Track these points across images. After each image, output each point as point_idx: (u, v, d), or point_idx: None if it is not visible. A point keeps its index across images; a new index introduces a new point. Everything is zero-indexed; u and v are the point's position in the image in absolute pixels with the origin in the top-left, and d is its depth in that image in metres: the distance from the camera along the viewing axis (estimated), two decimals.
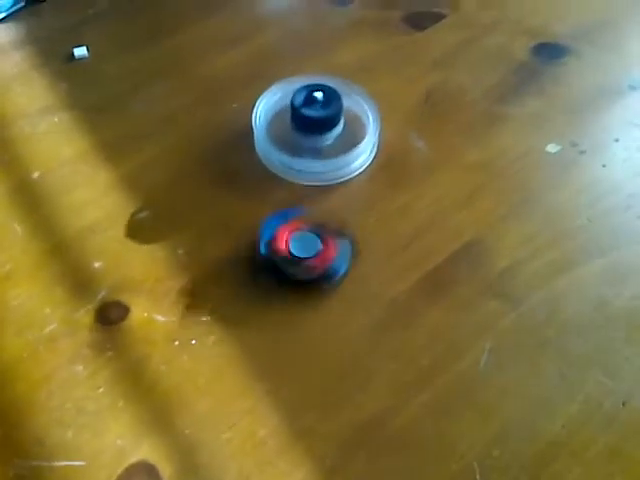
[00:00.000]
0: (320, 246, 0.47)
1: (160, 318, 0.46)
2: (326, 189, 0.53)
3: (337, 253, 0.48)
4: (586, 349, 0.45)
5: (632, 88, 0.62)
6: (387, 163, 0.56)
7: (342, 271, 0.48)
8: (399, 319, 0.47)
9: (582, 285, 0.49)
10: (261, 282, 0.47)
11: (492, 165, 0.56)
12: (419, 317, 0.47)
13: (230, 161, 0.55)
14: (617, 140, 0.58)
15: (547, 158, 0.57)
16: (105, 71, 0.61)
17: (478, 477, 0.40)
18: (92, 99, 0.59)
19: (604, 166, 0.56)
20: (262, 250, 0.47)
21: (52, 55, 0.63)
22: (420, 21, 0.67)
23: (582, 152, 0.57)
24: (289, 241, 0.47)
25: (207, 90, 0.60)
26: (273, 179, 0.54)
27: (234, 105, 0.59)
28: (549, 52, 0.64)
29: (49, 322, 0.46)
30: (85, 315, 0.46)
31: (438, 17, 0.68)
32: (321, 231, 0.48)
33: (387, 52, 0.64)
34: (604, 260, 0.50)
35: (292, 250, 0.47)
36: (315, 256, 0.47)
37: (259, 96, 0.56)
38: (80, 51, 0.62)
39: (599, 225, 0.52)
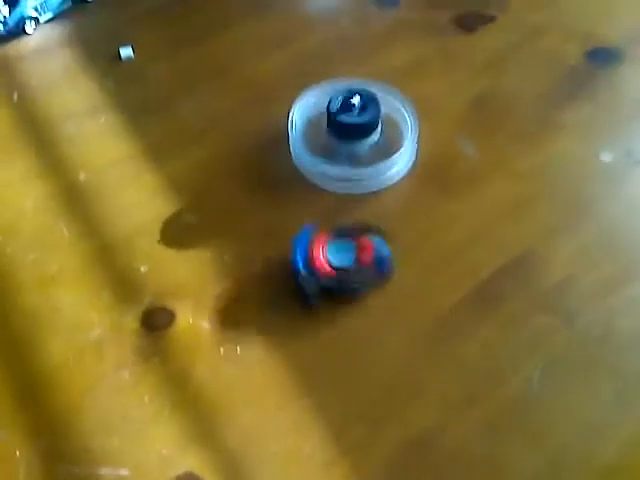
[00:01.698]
0: (355, 248, 0.46)
1: (205, 325, 0.46)
2: (363, 197, 0.52)
3: (374, 249, 0.46)
4: None
5: None
6: (433, 170, 0.54)
7: (389, 263, 0.46)
8: (447, 333, 0.46)
9: (639, 301, 0.47)
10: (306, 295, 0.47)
11: (543, 173, 0.54)
12: (468, 332, 0.46)
13: (269, 167, 0.54)
14: None
15: (600, 167, 0.55)
16: (151, 72, 0.61)
17: None
18: (138, 100, 0.59)
19: None
20: (302, 272, 0.45)
21: (98, 55, 0.63)
22: (469, 23, 0.65)
23: (637, 162, 0.55)
24: (326, 256, 0.46)
25: (252, 92, 0.60)
26: (310, 186, 0.53)
27: (278, 108, 0.58)
28: (603, 57, 0.62)
29: (95, 327, 0.46)
30: (131, 321, 0.46)
31: (487, 19, 0.66)
32: (351, 233, 0.47)
33: (435, 54, 0.63)
34: None
35: (331, 261, 0.46)
36: (357, 257, 0.45)
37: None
38: (126, 51, 0.62)
39: None
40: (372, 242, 0.46)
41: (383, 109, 0.53)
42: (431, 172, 0.54)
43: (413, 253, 0.49)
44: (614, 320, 0.46)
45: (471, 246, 0.49)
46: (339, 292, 0.46)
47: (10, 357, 0.45)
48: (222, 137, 0.56)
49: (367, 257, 0.46)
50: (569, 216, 0.52)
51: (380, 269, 0.46)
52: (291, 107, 0.55)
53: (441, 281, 0.48)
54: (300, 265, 0.45)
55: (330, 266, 0.46)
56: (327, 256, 0.46)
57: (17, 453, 0.41)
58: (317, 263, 0.45)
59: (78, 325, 0.46)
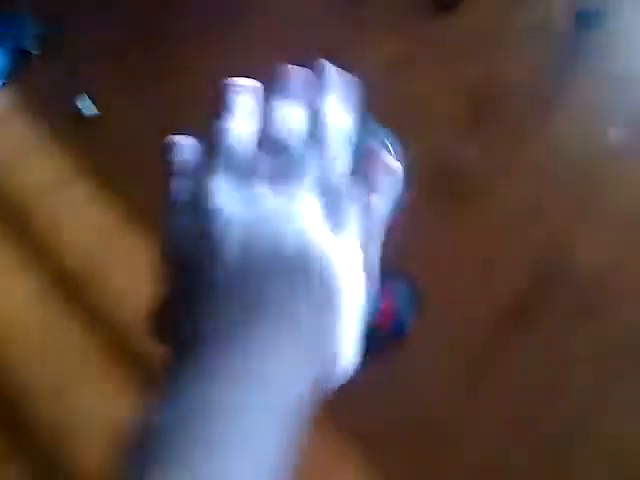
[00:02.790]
0: (379, 302, 0.43)
1: None
2: None
3: (398, 302, 0.44)
4: None
5: None
6: (438, 181, 0.51)
7: (409, 320, 0.44)
8: (490, 361, 0.44)
9: None
10: None
11: (554, 163, 0.51)
12: (511, 354, 0.44)
13: None
14: None
15: (611, 146, 0.52)
16: (116, 128, 0.56)
17: None
18: (110, 158, 0.55)
19: None
20: None
21: (58, 114, 0.57)
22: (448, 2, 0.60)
23: None
24: None
25: None
26: None
27: None
28: (591, 20, 0.58)
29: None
30: None
31: None
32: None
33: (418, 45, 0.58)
34: None
35: None
36: (377, 314, 0.42)
37: None
38: (87, 108, 0.57)
39: None
40: (394, 304, 0.44)
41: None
42: (439, 183, 0.50)
43: (437, 282, 0.46)
44: None
45: (498, 260, 0.47)
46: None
47: (45, 471, 0.43)
48: None
49: (386, 322, 0.43)
50: (588, 206, 0.49)
51: (397, 333, 0.44)
52: None
53: (475, 305, 0.45)
54: None
55: None
56: None
57: None
58: None
59: (112, 424, 0.43)
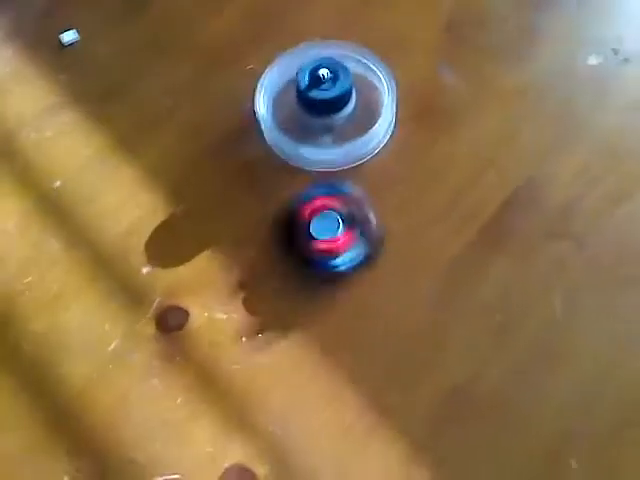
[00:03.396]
0: (339, 232, 0.44)
1: (221, 316, 0.45)
2: (346, 171, 0.49)
3: (349, 247, 0.45)
4: None
5: None
6: (417, 110, 0.52)
7: (346, 266, 0.45)
8: (462, 278, 0.45)
9: None
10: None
11: (531, 90, 0.52)
12: (482, 273, 0.45)
13: (242, 147, 0.51)
14: None
15: (589, 73, 0.53)
16: (99, 55, 0.57)
17: (573, 430, 0.40)
18: (93, 89, 0.55)
19: None
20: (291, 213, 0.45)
21: (40, 45, 0.58)
22: None
23: (625, 60, 0.53)
24: (312, 218, 0.45)
25: (208, 58, 0.55)
26: (286, 166, 0.50)
27: (238, 73, 0.54)
28: None
29: (111, 339, 0.45)
30: (146, 325, 0.45)
31: None
32: (348, 216, 0.45)
33: None
34: None
35: (310, 228, 0.44)
36: (329, 239, 0.44)
37: (263, 58, 0.52)
38: (69, 35, 0.57)
39: None
40: (351, 241, 0.45)
41: (354, 70, 0.49)
42: (415, 113, 0.52)
43: (413, 206, 0.48)
44: (626, 234, 0.46)
45: (471, 186, 0.48)
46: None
47: (33, 386, 0.44)
48: (188, 115, 0.53)
49: (331, 247, 0.45)
50: (563, 133, 0.50)
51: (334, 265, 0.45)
52: (258, 70, 0.52)
53: (449, 225, 0.47)
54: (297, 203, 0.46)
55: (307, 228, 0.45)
56: (312, 219, 0.45)
57: (65, 478, 0.41)
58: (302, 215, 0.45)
59: (93, 341, 0.45)
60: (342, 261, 0.45)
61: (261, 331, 0.45)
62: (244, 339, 0.44)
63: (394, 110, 0.50)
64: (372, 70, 0.51)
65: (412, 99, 0.51)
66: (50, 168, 0.52)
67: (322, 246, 0.44)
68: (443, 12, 0.56)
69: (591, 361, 0.42)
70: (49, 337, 0.46)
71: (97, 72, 0.56)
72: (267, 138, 0.51)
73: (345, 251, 0.45)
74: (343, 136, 0.49)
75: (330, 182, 0.48)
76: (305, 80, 0.48)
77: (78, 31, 0.57)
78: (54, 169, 0.52)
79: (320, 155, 0.49)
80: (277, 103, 0.51)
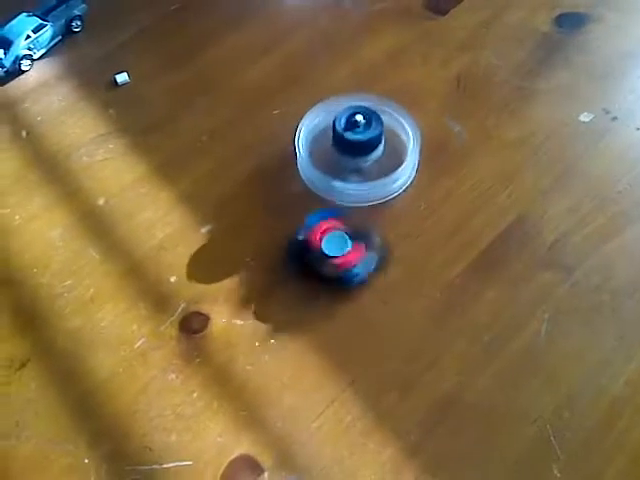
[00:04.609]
0: (348, 247, 0.50)
1: (239, 322, 0.50)
2: (370, 208, 0.55)
3: (361, 258, 0.50)
4: None
5: None
6: (426, 152, 0.58)
7: (361, 276, 0.50)
8: (458, 300, 0.50)
9: (631, 248, 0.51)
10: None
11: (529, 141, 0.58)
12: (476, 296, 0.50)
13: (275, 177, 0.57)
14: None
15: (581, 128, 0.59)
16: (147, 94, 0.65)
17: (552, 439, 0.44)
18: (140, 122, 0.63)
19: (638, 129, 0.58)
20: (299, 237, 0.50)
21: (95, 84, 0.66)
22: (441, 5, 0.69)
23: (614, 118, 0.59)
24: (322, 239, 0.50)
25: (246, 101, 0.63)
26: (316, 197, 0.56)
27: (274, 112, 0.61)
28: (571, 21, 0.66)
29: (138, 338, 0.50)
30: (170, 327, 0.50)
31: (457, 0, 0.69)
32: (354, 234, 0.51)
33: (413, 40, 0.66)
34: None
35: (323, 248, 0.50)
36: (342, 255, 0.49)
37: (296, 102, 0.59)
38: (122, 77, 0.65)
39: None
40: (362, 252, 0.50)
41: (384, 121, 0.56)
42: (428, 153, 0.57)
43: (419, 230, 0.53)
44: (610, 269, 0.50)
45: (470, 219, 0.53)
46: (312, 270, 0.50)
47: (64, 376, 0.49)
48: (224, 148, 0.60)
49: (345, 262, 0.50)
50: (557, 177, 0.56)
51: (346, 278, 0.50)
52: (292, 109, 0.59)
53: (447, 253, 0.52)
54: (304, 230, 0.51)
55: (320, 248, 0.50)
56: (322, 239, 0.50)
57: (85, 461, 0.45)
58: (313, 237, 0.50)
59: (121, 339, 0.50)
60: (356, 272, 0.50)
61: (273, 337, 0.49)
62: (257, 343, 0.49)
63: (417, 156, 0.56)
64: (397, 119, 0.58)
65: (423, 141, 0.58)
66: (96, 188, 0.59)
67: (336, 262, 0.49)
68: (454, 70, 0.63)
69: (570, 376, 0.46)
70: (82, 334, 0.51)
71: (143, 108, 0.64)
72: (302, 173, 0.57)
73: (357, 264, 0.50)
74: (372, 175, 0.55)
75: (329, 208, 0.54)
76: (342, 124, 0.55)
77: (129, 74, 0.66)
78: (100, 189, 0.58)
79: (350, 191, 0.55)
80: (314, 144, 0.58)
